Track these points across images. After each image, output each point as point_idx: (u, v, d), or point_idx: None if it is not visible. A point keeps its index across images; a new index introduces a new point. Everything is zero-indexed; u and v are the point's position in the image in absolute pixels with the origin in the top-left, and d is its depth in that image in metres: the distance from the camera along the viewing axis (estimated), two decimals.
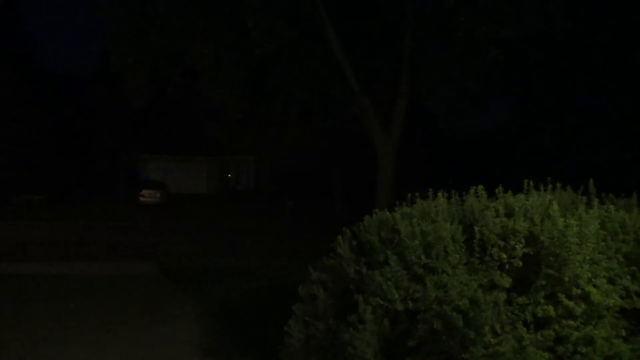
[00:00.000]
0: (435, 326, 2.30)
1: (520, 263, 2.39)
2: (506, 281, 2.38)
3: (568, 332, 2.19)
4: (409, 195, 3.14)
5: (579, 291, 2.23)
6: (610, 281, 2.33)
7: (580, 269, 2.25)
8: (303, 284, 3.09)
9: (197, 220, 18.70)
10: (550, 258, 2.30)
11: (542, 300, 2.28)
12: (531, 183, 2.97)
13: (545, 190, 2.98)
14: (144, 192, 24.26)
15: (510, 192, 2.93)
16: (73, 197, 24.74)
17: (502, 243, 2.46)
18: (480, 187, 2.91)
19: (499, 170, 15.25)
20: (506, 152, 16.24)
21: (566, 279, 2.25)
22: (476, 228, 2.52)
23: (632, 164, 11.01)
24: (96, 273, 7.53)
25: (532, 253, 2.40)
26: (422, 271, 2.53)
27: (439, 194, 3.01)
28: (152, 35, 9.15)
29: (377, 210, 3.14)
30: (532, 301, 2.30)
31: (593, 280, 2.26)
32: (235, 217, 19.53)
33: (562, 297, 2.24)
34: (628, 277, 2.37)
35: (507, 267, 2.44)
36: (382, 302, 2.52)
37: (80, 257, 9.09)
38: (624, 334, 2.23)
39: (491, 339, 2.18)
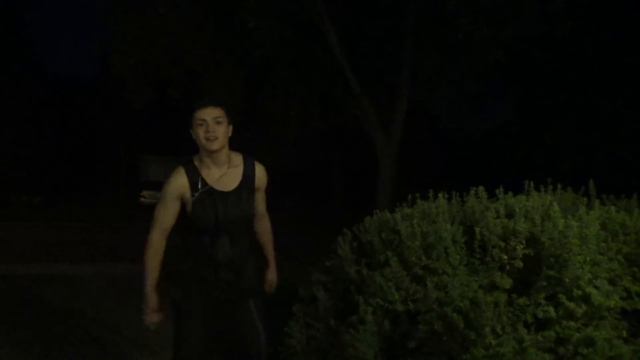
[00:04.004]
0: (435, 327, 2.30)
1: (521, 264, 2.40)
2: (507, 282, 2.38)
3: (569, 333, 2.19)
4: (410, 196, 3.15)
5: (579, 292, 2.23)
6: (611, 282, 2.33)
7: (580, 270, 2.25)
8: (303, 285, 3.09)
9: None
10: (551, 259, 2.30)
11: (543, 301, 2.28)
12: (532, 184, 2.97)
13: (546, 191, 2.98)
14: (144, 192, 24.28)
15: (510, 193, 2.94)
16: (73, 198, 24.76)
17: (502, 244, 2.46)
18: (481, 188, 2.92)
19: (500, 171, 15.25)
20: (507, 152, 16.24)
21: (567, 280, 2.25)
22: (477, 229, 2.52)
23: (632, 164, 11.01)
24: (95, 274, 7.54)
25: (532, 254, 2.41)
26: (422, 272, 2.53)
27: (440, 194, 3.01)
28: (153, 37, 9.18)
29: (377, 211, 3.14)
30: (532, 302, 2.30)
31: (594, 281, 2.26)
32: None
33: (563, 298, 2.24)
34: (629, 278, 2.37)
35: (507, 268, 2.44)
36: (382, 303, 2.52)
37: (80, 258, 9.09)
38: (625, 335, 2.23)
39: (492, 340, 2.18)
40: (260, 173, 2.57)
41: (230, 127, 2.44)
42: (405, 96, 9.83)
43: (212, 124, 2.35)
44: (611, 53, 11.10)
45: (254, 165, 2.56)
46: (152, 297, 2.42)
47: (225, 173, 2.45)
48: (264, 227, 2.74)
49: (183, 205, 2.42)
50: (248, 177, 2.50)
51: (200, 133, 2.36)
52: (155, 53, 9.47)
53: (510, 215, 2.62)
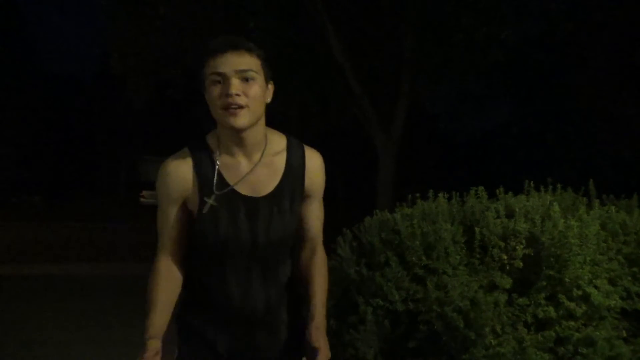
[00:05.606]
0: (436, 327, 2.31)
1: (521, 264, 2.40)
2: (507, 282, 2.38)
3: (569, 333, 2.19)
4: (410, 196, 3.14)
5: (579, 292, 2.23)
6: (611, 282, 2.33)
7: (581, 270, 2.25)
8: None
9: None
10: (551, 259, 2.31)
11: (543, 301, 2.29)
12: (532, 184, 2.97)
13: (546, 191, 2.98)
14: (144, 192, 24.31)
15: (510, 193, 2.94)
16: (73, 198, 24.77)
17: (502, 244, 2.46)
18: (481, 188, 2.92)
19: (500, 171, 15.26)
20: (506, 152, 16.27)
21: (567, 280, 2.25)
22: (477, 229, 2.52)
23: (632, 164, 11.02)
24: (95, 274, 7.55)
25: (532, 254, 2.41)
26: (422, 272, 2.53)
27: (440, 194, 3.01)
28: (153, 37, 9.18)
29: (377, 211, 3.14)
30: (532, 302, 2.30)
31: (594, 281, 2.27)
32: None
33: (563, 298, 2.24)
34: (629, 278, 2.37)
35: (507, 268, 2.44)
36: (382, 303, 2.52)
37: (79, 258, 9.11)
38: (624, 335, 2.23)
39: (492, 340, 2.18)
40: (314, 167, 1.48)
41: (270, 87, 1.44)
42: (406, 96, 9.83)
43: (237, 82, 1.32)
44: (611, 53, 11.10)
45: (303, 153, 1.48)
46: (149, 349, 1.42)
47: (257, 164, 1.42)
48: (312, 264, 1.50)
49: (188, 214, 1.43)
50: (294, 172, 1.45)
51: (214, 97, 1.34)
52: (155, 53, 9.48)
53: (510, 215, 2.62)
